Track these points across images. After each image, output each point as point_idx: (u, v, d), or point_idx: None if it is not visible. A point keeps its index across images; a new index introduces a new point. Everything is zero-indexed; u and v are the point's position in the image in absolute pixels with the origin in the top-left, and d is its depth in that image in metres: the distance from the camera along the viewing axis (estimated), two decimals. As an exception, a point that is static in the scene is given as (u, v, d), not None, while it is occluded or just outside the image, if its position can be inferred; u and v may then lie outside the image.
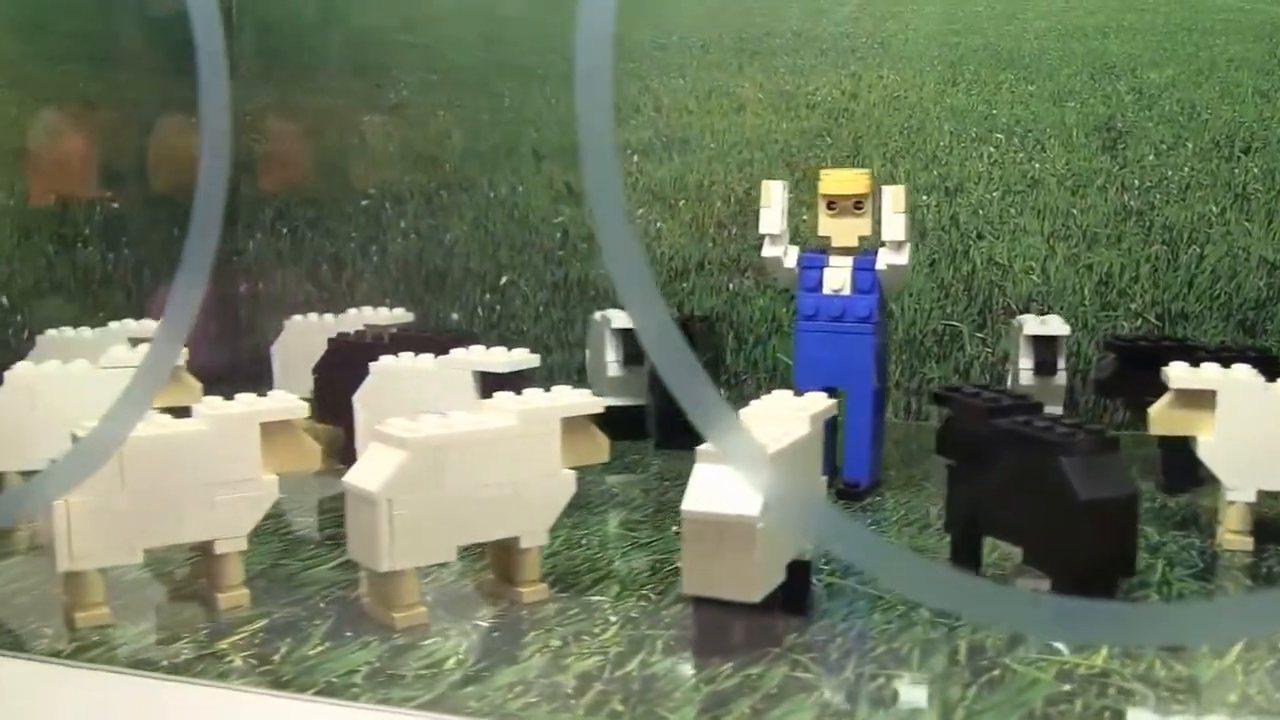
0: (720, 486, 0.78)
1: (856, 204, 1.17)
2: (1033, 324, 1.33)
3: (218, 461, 0.89)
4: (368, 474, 0.85)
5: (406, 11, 1.76)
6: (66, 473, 0.80)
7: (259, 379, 1.47)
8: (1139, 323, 1.47)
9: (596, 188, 0.61)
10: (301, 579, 0.96)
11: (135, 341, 1.35)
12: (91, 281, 1.58)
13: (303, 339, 1.48)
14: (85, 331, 1.40)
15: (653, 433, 1.38)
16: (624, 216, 0.61)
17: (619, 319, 1.39)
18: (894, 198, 1.16)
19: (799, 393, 1.16)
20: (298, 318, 1.52)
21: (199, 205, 0.71)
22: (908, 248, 1.16)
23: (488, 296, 1.72)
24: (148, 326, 1.37)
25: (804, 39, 1.58)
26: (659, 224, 1.64)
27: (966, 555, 0.93)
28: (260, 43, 1.80)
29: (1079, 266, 1.49)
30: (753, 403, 0.91)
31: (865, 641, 0.82)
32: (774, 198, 1.20)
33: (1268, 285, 1.43)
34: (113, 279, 1.62)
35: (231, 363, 1.76)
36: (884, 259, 1.16)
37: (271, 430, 0.91)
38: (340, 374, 1.27)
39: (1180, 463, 1.09)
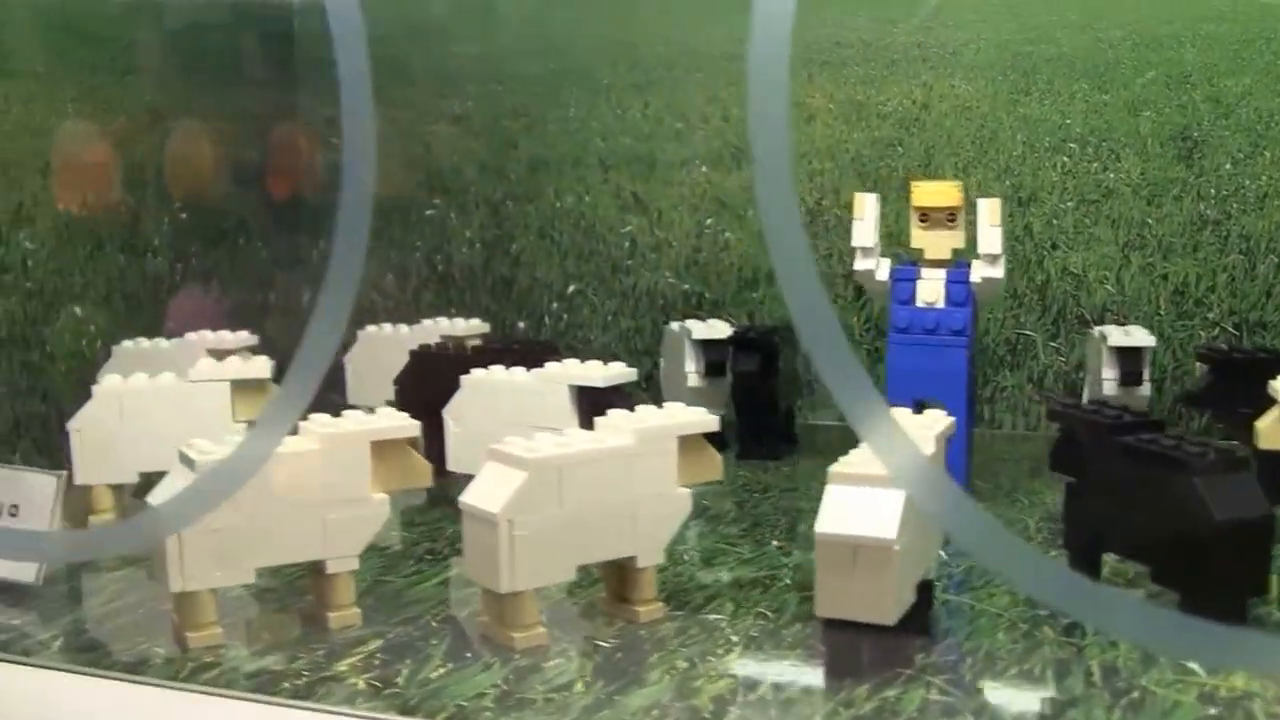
0: (854, 507, 0.78)
1: (950, 216, 1.16)
2: (1117, 335, 1.32)
3: (329, 481, 0.88)
4: (487, 494, 0.84)
5: (469, 22, 1.75)
6: (193, 500, 0.79)
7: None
8: (1216, 332, 1.46)
9: (767, 199, 0.60)
10: (407, 597, 0.96)
11: (216, 354, 1.35)
12: (160, 291, 1.58)
13: (376, 349, 1.48)
14: (161, 343, 1.40)
15: (734, 444, 1.37)
16: (799, 229, 0.60)
17: (699, 330, 1.39)
18: (990, 210, 1.15)
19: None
20: (371, 328, 1.51)
21: (343, 229, 0.70)
22: (1003, 260, 1.15)
23: (555, 306, 1.71)
24: (225, 339, 1.37)
25: (874, 49, 1.58)
26: (727, 234, 1.63)
27: (1085, 572, 0.92)
28: (325, 54, 1.79)
29: (1154, 276, 1.48)
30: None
31: (995, 662, 0.81)
32: (867, 210, 1.19)
33: (1349, 295, 1.43)
34: (181, 289, 1.61)
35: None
36: (979, 272, 1.15)
37: (382, 448, 0.91)
38: (424, 386, 1.27)
39: (1276, 474, 1.07)
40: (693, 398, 1.38)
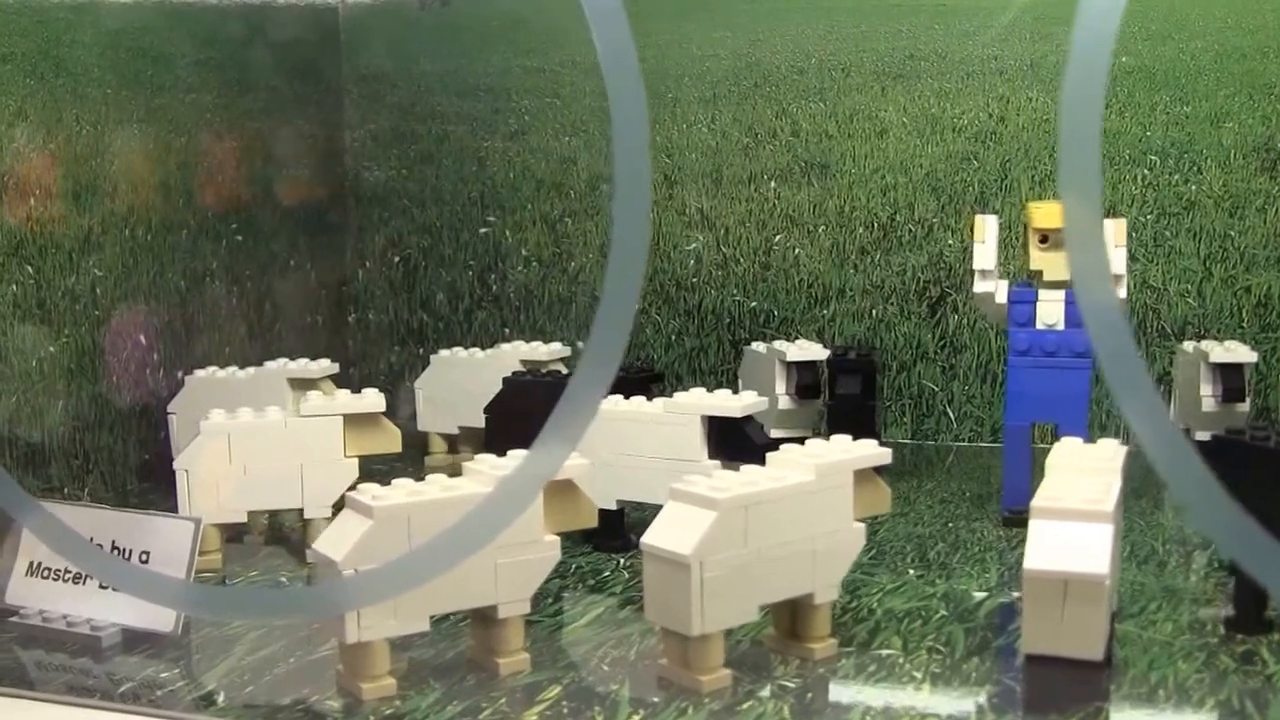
0: (1063, 542, 0.77)
1: None
2: (1218, 351, 1.31)
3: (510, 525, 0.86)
4: (674, 535, 0.82)
5: (526, 35, 1.72)
6: (426, 562, 0.75)
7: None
8: (1298, 344, 1.46)
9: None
10: (564, 638, 0.94)
11: (298, 383, 1.32)
12: (218, 316, 1.54)
13: (449, 374, 1.45)
14: (237, 372, 1.37)
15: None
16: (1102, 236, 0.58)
17: (792, 351, 1.37)
18: (1117, 230, 1.14)
19: (1008, 427, 1.16)
20: (444, 353, 1.49)
21: (613, 271, 0.67)
22: (1125, 281, 1.14)
23: (616, 325, 1.68)
24: (308, 368, 1.33)
25: (949, 61, 1.56)
26: (797, 250, 1.61)
27: (1252, 598, 0.91)
28: (371, 66, 1.77)
29: (1236, 289, 1.47)
30: (1052, 454, 0.88)
31: (1189, 693, 0.80)
32: (988, 233, 1.18)
33: None
34: (238, 313, 1.57)
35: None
36: None
37: (550, 490, 0.88)
38: (519, 414, 1.24)
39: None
40: (782, 420, 1.37)
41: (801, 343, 1.40)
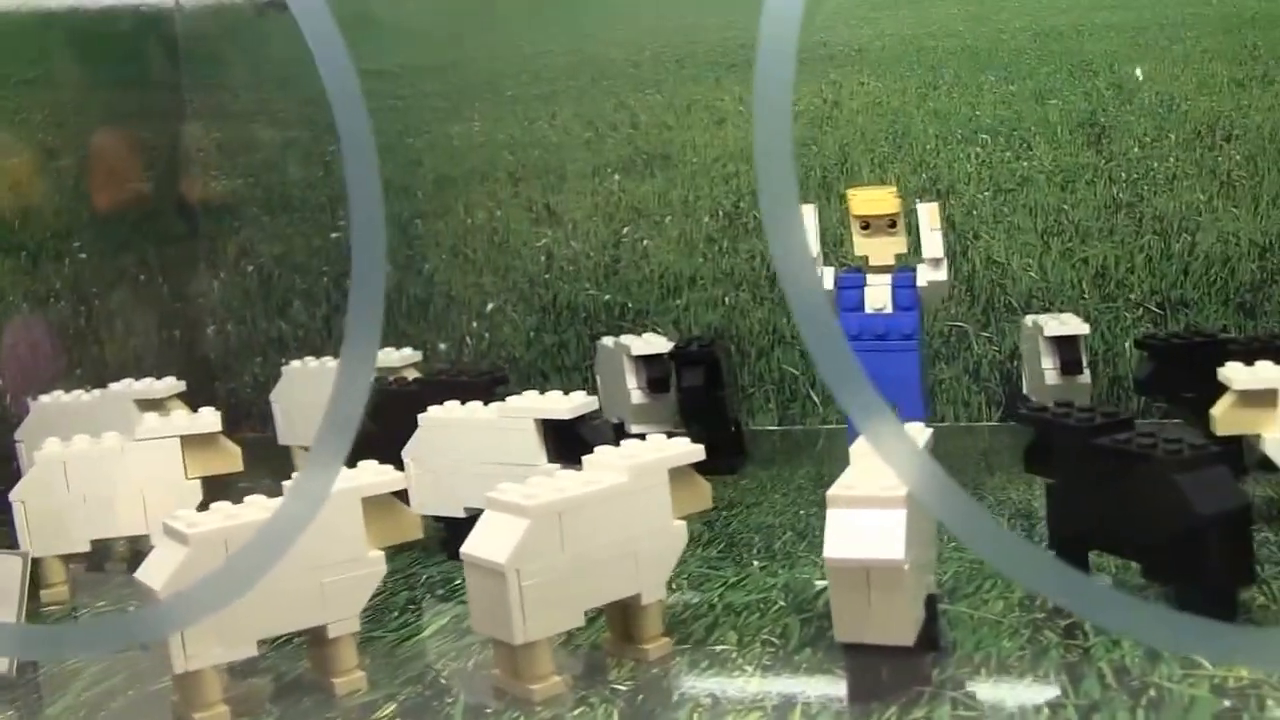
0: (860, 530, 0.78)
1: (890, 223, 1.18)
2: (1052, 324, 1.34)
3: (324, 543, 0.86)
4: (490, 544, 0.82)
5: (360, 38, 1.72)
6: (216, 590, 0.75)
7: (236, 424, 1.45)
8: (1140, 313, 1.49)
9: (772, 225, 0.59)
10: (404, 653, 0.94)
11: (144, 404, 1.31)
12: (66, 338, 1.53)
13: (302, 385, 1.45)
14: (83, 395, 1.36)
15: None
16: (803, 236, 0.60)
17: (637, 345, 1.38)
18: (930, 215, 1.17)
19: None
20: (295, 364, 1.48)
21: (358, 279, 0.68)
22: (946, 263, 1.17)
23: (474, 324, 1.69)
24: (153, 387, 1.33)
25: (782, 47, 1.57)
26: (645, 241, 1.63)
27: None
28: (211, 74, 1.75)
29: (1075, 261, 1.51)
30: (857, 442, 0.90)
31: (1009, 670, 0.82)
32: (806, 221, 1.19)
33: (1260, 268, 1.47)
34: (88, 333, 1.56)
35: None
36: (925, 275, 1.17)
37: (372, 504, 0.89)
38: (376, 424, 1.24)
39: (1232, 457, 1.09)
40: (638, 415, 1.38)
41: (648, 336, 1.41)
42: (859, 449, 0.89)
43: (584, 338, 1.61)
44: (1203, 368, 1.08)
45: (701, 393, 1.34)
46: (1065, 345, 1.33)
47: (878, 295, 1.18)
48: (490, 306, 1.68)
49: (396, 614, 1.02)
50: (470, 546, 0.83)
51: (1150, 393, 1.29)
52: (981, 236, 1.53)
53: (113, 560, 1.22)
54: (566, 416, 1.08)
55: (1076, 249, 1.51)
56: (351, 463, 1.19)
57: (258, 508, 0.86)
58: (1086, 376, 1.33)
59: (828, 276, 1.20)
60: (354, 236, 0.69)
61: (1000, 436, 1.47)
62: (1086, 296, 1.51)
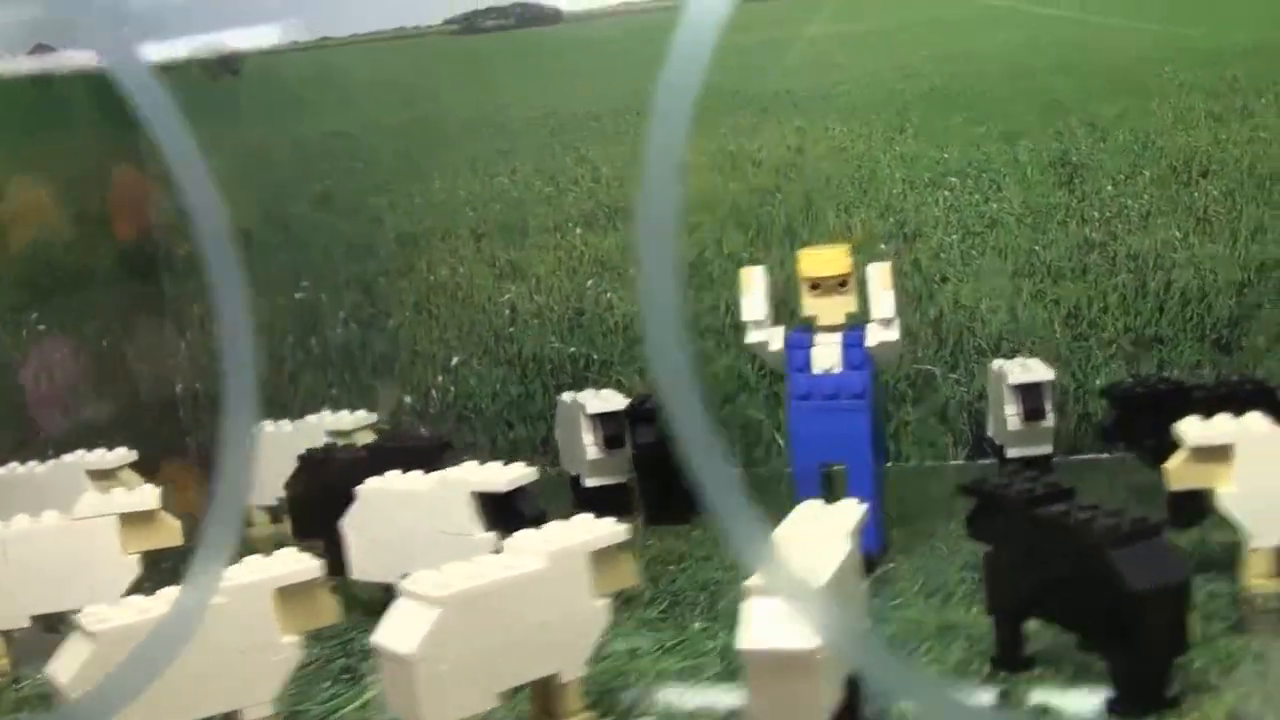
0: (774, 619, 0.76)
1: (841, 282, 1.15)
2: (1016, 371, 1.32)
3: (237, 633, 0.85)
4: (400, 634, 0.80)
5: (319, 100, 1.71)
6: (124, 684, 0.73)
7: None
8: (1113, 350, 1.46)
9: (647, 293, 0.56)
10: (326, 731, 0.92)
11: (96, 475, 1.30)
12: (23, 407, 1.52)
13: (266, 449, 1.43)
14: (37, 467, 1.35)
15: (640, 510, 1.37)
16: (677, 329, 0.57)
17: (592, 403, 1.36)
18: (880, 275, 1.14)
19: (796, 470, 1.15)
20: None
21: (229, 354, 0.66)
22: (898, 323, 1.14)
23: (440, 379, 1.68)
24: (105, 458, 1.31)
25: (742, 97, 1.55)
26: (609, 294, 1.61)
27: (1011, 637, 0.91)
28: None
29: (1046, 301, 1.48)
30: (782, 524, 0.87)
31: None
32: (755, 283, 1.17)
33: (1238, 303, 1.43)
34: (49, 401, 1.55)
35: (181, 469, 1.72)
36: (875, 336, 1.14)
37: (288, 591, 0.87)
38: (316, 493, 1.23)
39: (1186, 498, 1.06)
40: (593, 470, 1.37)
41: (604, 393, 1.39)
42: (783, 531, 0.86)
43: (550, 389, 1.59)
44: (1167, 415, 1.05)
45: (655, 449, 1.32)
46: (1028, 392, 1.30)
47: (825, 355, 1.15)
48: (455, 361, 1.67)
49: (329, 683, 1.00)
50: (380, 636, 0.82)
51: (1114, 441, 1.26)
52: (950, 279, 1.50)
53: (65, 624, 1.20)
54: (502, 489, 1.06)
55: (1048, 290, 1.48)
56: (304, 531, 1.19)
57: (166, 600, 0.84)
58: (1050, 421, 1.31)
59: (776, 337, 1.17)
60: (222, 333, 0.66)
61: (966, 477, 1.44)
62: (1059, 336, 1.48)
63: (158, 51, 1.73)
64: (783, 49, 1.53)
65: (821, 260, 1.15)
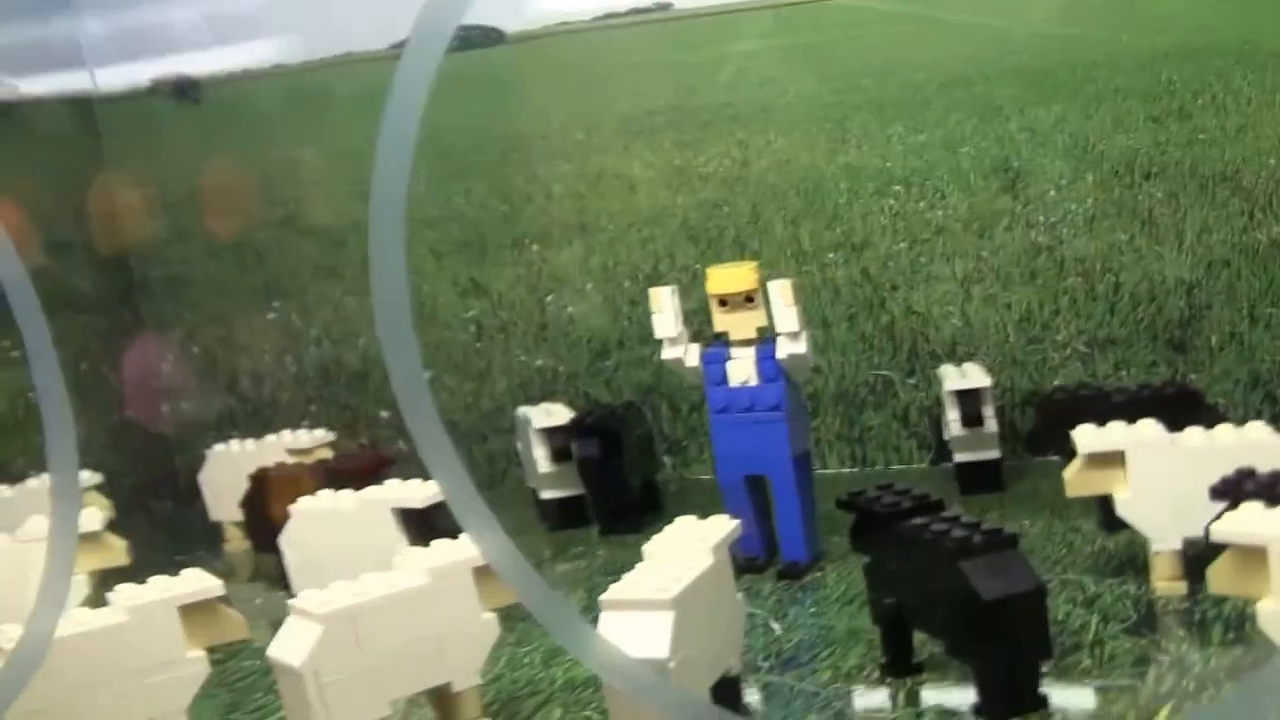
0: (628, 632, 0.79)
1: (747, 298, 1.17)
2: (954, 377, 1.33)
3: (143, 649, 0.89)
4: (289, 647, 0.85)
5: (277, 128, 1.76)
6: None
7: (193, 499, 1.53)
8: (1068, 352, 1.47)
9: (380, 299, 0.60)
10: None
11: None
12: (5, 431, 1.57)
13: (227, 468, 1.48)
14: (4, 489, 1.39)
15: (596, 520, 1.40)
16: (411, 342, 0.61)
17: (538, 418, 1.39)
18: (781, 293, 1.16)
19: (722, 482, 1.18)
20: (219, 447, 1.52)
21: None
22: (805, 335, 1.16)
23: (411, 395, 1.70)
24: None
25: (684, 113, 1.58)
26: (569, 308, 1.64)
27: (897, 643, 0.93)
28: (135, 167, 1.80)
29: (998, 306, 1.49)
30: (653, 540, 0.90)
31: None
32: (664, 303, 1.20)
33: (1188, 304, 1.43)
34: (30, 424, 1.60)
35: (169, 491, 1.78)
36: (784, 349, 1.16)
37: (192, 608, 0.91)
38: (266, 508, 1.28)
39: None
40: (545, 483, 1.40)
41: (550, 407, 1.42)
42: (649, 548, 0.89)
43: (520, 401, 1.62)
44: (1090, 422, 1.07)
45: (596, 463, 1.35)
46: (967, 398, 1.32)
47: (740, 369, 1.18)
48: (426, 376, 1.69)
49: (261, 695, 1.04)
50: (274, 649, 0.86)
51: (1037, 449, 1.28)
52: (900, 287, 1.51)
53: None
54: (419, 505, 1.10)
55: (998, 295, 1.48)
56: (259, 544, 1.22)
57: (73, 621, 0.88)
58: (990, 427, 1.32)
59: (692, 354, 1.20)
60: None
61: (929, 483, 1.45)
62: (1012, 340, 1.49)
63: (120, 78, 1.80)
64: (717, 66, 1.56)
65: (727, 278, 1.18)
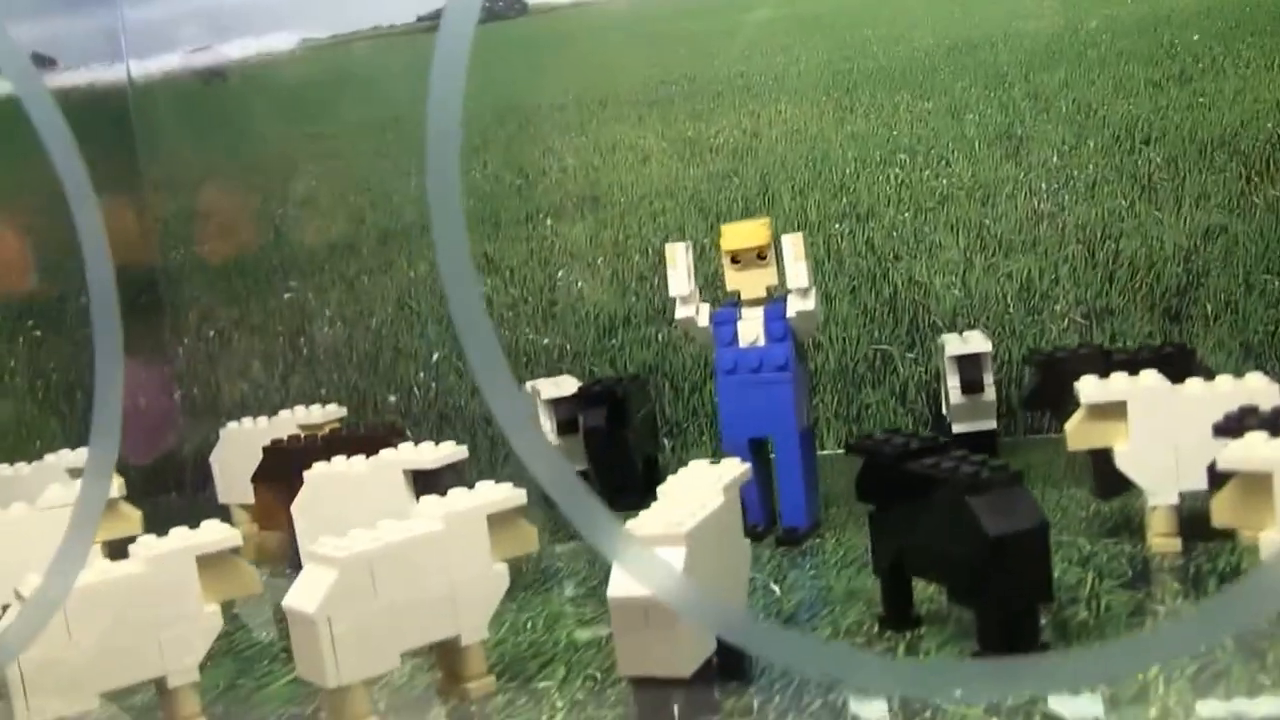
0: (639, 571, 0.80)
1: (760, 255, 1.19)
2: (955, 343, 1.34)
3: (160, 600, 0.89)
4: (304, 595, 0.85)
5: (297, 103, 1.77)
6: (17, 634, 0.80)
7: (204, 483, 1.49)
8: (1065, 324, 1.49)
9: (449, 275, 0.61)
10: (257, 699, 0.97)
11: (76, 473, 1.36)
12: (24, 413, 1.58)
13: (240, 446, 1.49)
14: (23, 467, 1.41)
15: (599, 494, 1.39)
16: (482, 312, 0.62)
17: (547, 389, 1.40)
18: (794, 246, 1.17)
19: (726, 446, 1.18)
20: (233, 425, 1.53)
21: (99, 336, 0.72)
22: (814, 292, 1.17)
23: (421, 375, 1.72)
24: (83, 456, 1.37)
25: (698, 83, 1.60)
26: (579, 283, 1.65)
27: (897, 596, 0.94)
28: (164, 147, 1.81)
29: (999, 276, 1.50)
30: (667, 480, 0.92)
31: (802, 697, 0.83)
32: (678, 259, 1.21)
33: (1185, 271, 1.45)
34: (47, 406, 1.62)
35: (178, 473, 1.79)
36: (793, 306, 1.17)
37: (208, 561, 0.92)
38: (278, 481, 1.28)
39: (1111, 467, 1.08)
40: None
41: (559, 379, 1.43)
42: (665, 488, 0.91)
43: (525, 380, 1.63)
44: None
45: (603, 433, 1.35)
46: (967, 364, 1.33)
47: (750, 329, 1.19)
48: (436, 356, 1.71)
49: (268, 662, 1.05)
50: (289, 598, 0.86)
51: (1035, 407, 1.29)
52: (903, 257, 1.53)
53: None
54: (430, 466, 1.11)
55: (1000, 264, 1.50)
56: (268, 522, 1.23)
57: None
58: (990, 394, 1.33)
59: (704, 313, 1.21)
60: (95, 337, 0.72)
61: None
62: (1012, 310, 1.50)
63: (154, 64, 1.81)
64: (731, 35, 1.58)
65: (741, 233, 1.19)
